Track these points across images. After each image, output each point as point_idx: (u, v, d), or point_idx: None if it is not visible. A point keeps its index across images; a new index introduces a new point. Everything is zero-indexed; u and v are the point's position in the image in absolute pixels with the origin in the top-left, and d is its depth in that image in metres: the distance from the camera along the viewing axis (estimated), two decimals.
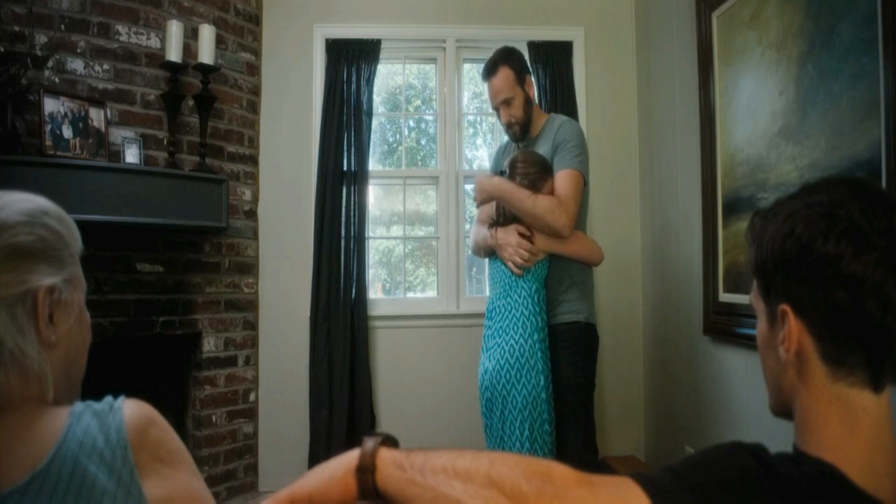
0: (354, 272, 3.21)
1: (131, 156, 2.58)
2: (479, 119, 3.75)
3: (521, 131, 2.30)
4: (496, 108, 2.32)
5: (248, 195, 3.18)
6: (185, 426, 2.96)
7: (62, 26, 2.48)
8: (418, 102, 3.75)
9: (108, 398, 0.77)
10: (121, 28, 2.63)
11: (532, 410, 1.97)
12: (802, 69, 1.93)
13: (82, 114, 2.45)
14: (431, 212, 3.57)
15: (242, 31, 3.15)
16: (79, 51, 2.52)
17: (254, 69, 3.23)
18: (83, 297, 0.84)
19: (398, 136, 3.71)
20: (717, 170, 2.47)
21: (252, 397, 3.16)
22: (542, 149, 2.22)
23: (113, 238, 2.57)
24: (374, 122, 3.33)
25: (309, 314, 3.18)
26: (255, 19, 3.26)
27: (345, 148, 3.25)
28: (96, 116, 2.50)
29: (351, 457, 0.66)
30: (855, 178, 0.76)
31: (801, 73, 1.94)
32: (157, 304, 2.74)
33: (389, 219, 3.62)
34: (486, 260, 2.39)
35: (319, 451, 3.05)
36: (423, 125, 3.73)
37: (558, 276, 2.15)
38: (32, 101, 2.34)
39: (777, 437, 0.77)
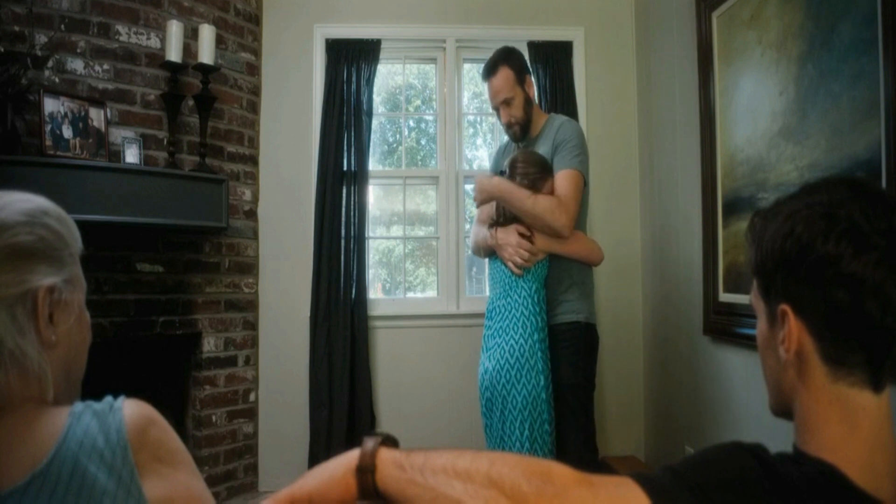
0: (354, 272, 3.21)
1: (131, 156, 2.58)
2: (479, 119, 3.75)
3: (521, 131, 2.30)
4: (496, 108, 2.32)
5: (248, 195, 3.18)
6: (185, 426, 2.96)
7: (62, 26, 2.48)
8: (418, 102, 3.75)
9: (108, 398, 0.77)
10: (121, 28, 2.63)
11: (532, 410, 1.97)
12: (802, 69, 1.93)
13: (82, 114, 2.45)
14: (431, 212, 3.57)
15: (242, 31, 3.15)
16: (79, 51, 2.52)
17: (254, 69, 3.23)
18: (83, 297, 0.84)
19: (398, 136, 3.71)
20: (717, 170, 2.47)
21: (252, 397, 3.16)
22: (542, 149, 2.22)
23: (113, 238, 2.57)
24: (374, 122, 3.33)
25: (309, 314, 3.18)
26: (255, 19, 3.26)
27: (345, 148, 3.25)
28: (96, 116, 2.50)
29: (351, 457, 0.66)
30: (855, 178, 0.77)
31: (801, 73, 1.94)
32: (157, 304, 2.74)
33: (389, 219, 3.62)
34: (486, 260, 2.39)
35: (319, 451, 3.05)
36: (423, 125, 3.74)
37: (558, 276, 2.15)
38: (32, 101, 2.34)
39: (777, 437, 0.77)
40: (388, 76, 3.67)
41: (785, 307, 0.67)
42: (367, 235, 3.27)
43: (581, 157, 2.17)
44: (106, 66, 2.59)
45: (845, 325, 0.64)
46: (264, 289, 3.25)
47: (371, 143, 3.31)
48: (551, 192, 2.11)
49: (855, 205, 0.64)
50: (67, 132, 2.40)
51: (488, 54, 2.37)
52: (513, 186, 2.09)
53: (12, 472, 0.69)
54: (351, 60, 3.27)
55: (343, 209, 3.23)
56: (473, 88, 3.64)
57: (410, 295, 3.54)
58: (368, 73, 3.28)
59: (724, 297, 2.42)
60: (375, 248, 3.61)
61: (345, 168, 3.24)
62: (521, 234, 2.08)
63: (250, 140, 3.20)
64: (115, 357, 2.63)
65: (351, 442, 2.10)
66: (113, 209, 2.39)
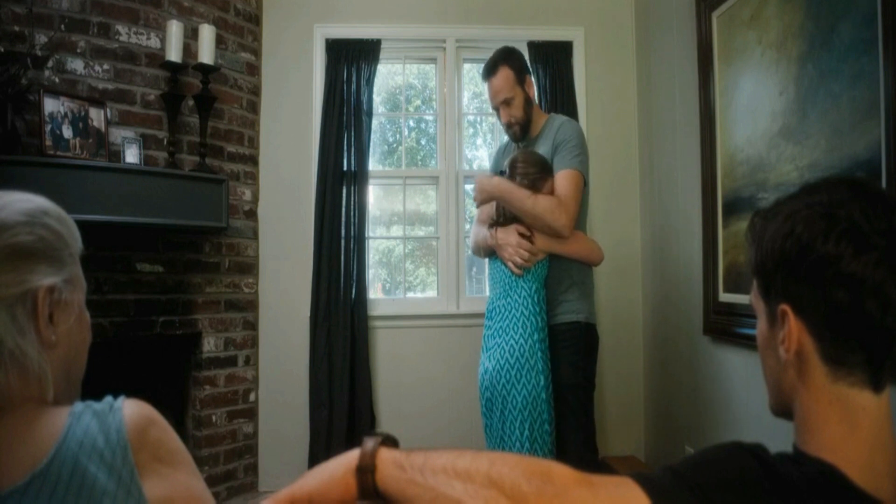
0: (354, 272, 3.21)
1: (131, 156, 2.58)
2: (479, 119, 3.75)
3: (521, 131, 2.30)
4: (496, 108, 2.32)
5: (248, 195, 3.18)
6: (185, 426, 2.96)
7: (62, 26, 2.48)
8: (418, 102, 3.75)
9: (108, 398, 0.77)
10: (121, 28, 2.63)
11: (532, 410, 1.97)
12: (802, 69, 1.93)
13: (82, 114, 2.45)
14: (431, 212, 3.57)
15: (242, 31, 3.15)
16: (79, 51, 2.52)
17: (254, 69, 3.23)
18: (83, 297, 0.84)
19: (398, 136, 3.71)
20: (717, 170, 2.47)
21: (252, 397, 3.16)
22: (542, 149, 2.22)
23: (113, 238, 2.57)
24: (374, 122, 3.33)
25: (309, 314, 3.18)
26: (255, 19, 3.26)
27: (345, 148, 3.25)
28: (96, 116, 2.50)
29: (351, 457, 0.66)
30: (855, 178, 0.77)
31: (801, 73, 1.94)
32: (157, 304, 2.74)
33: (389, 219, 3.62)
34: (486, 260, 2.39)
35: (319, 451, 3.05)
36: (423, 125, 3.73)
37: (558, 276, 2.15)
38: (32, 101, 2.34)
39: (777, 437, 0.77)
40: (388, 76, 3.67)
41: (785, 307, 0.67)
42: (367, 235, 3.27)
43: (581, 157, 2.17)
44: (106, 66, 2.59)
45: (845, 325, 0.64)
46: (264, 289, 3.25)
47: (371, 143, 3.31)
48: (551, 192, 2.11)
49: (855, 205, 0.64)
50: (67, 132, 2.40)
51: (488, 54, 2.37)
52: (513, 186, 2.09)
53: (12, 472, 0.69)
54: (351, 60, 3.27)
55: (343, 209, 3.23)
56: (473, 88, 3.63)
57: (410, 295, 3.54)
58: (368, 73, 3.28)
59: (724, 297, 2.42)
60: (375, 248, 3.61)
61: (345, 168, 3.24)
62: (521, 234, 2.08)
63: (250, 140, 3.20)
64: (115, 357, 2.63)
65: (351, 442, 2.10)
66: (113, 209, 2.39)
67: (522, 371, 1.99)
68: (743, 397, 2.32)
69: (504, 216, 2.15)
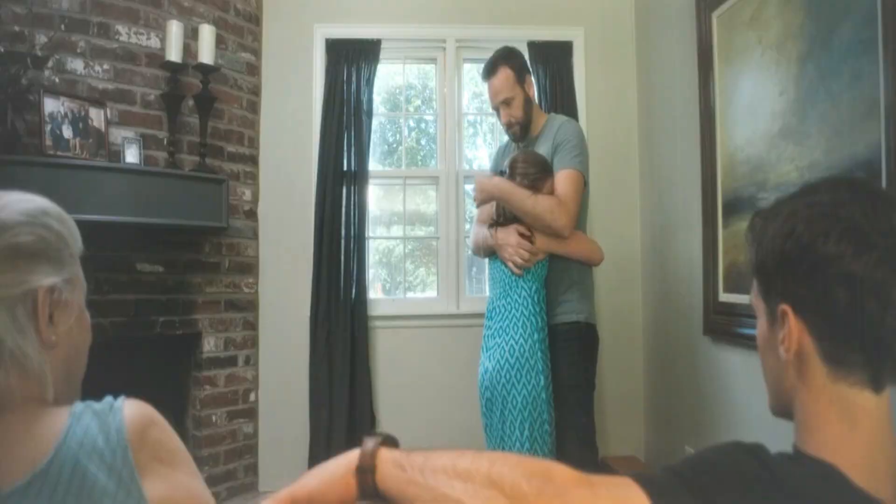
0: (354, 272, 3.21)
1: (131, 156, 2.58)
2: (479, 119, 3.75)
3: (521, 131, 2.30)
4: (496, 108, 2.32)
5: (248, 195, 3.18)
6: (185, 426, 2.96)
7: (62, 26, 2.48)
8: (418, 102, 3.75)
9: (108, 398, 0.77)
10: (121, 28, 2.63)
11: (532, 410, 1.97)
12: (802, 69, 1.93)
13: (82, 114, 2.45)
14: (431, 212, 3.57)
15: (242, 31, 3.15)
16: (79, 51, 2.52)
17: (254, 69, 3.23)
18: (83, 297, 0.84)
19: (398, 136, 3.71)
20: (717, 170, 2.47)
21: (252, 397, 3.16)
22: (542, 149, 2.22)
23: (113, 238, 2.57)
24: (374, 122, 3.33)
25: (309, 314, 3.18)
26: (255, 19, 3.26)
27: (345, 148, 3.25)
28: (96, 116, 2.50)
29: (351, 457, 0.66)
30: (855, 178, 0.77)
31: (801, 74, 1.94)
32: (157, 304, 2.74)
33: (389, 219, 3.62)
34: (486, 260, 2.39)
35: (319, 451, 3.05)
36: (423, 125, 3.73)
37: (558, 276, 2.15)
38: (32, 101, 2.34)
39: (777, 437, 0.76)
40: (388, 76, 3.67)
41: (785, 307, 0.67)
42: (367, 235, 3.27)
43: (581, 158, 2.17)
44: (106, 66, 2.59)
45: (845, 325, 0.64)
46: (264, 289, 3.24)
47: (371, 143, 3.31)
48: (551, 192, 2.11)
49: (855, 204, 0.64)
50: (67, 132, 2.40)
51: (488, 54, 2.37)
52: (513, 186, 2.09)
53: (12, 472, 0.69)
54: (351, 60, 3.27)
55: (343, 209, 3.23)
56: (473, 88, 3.63)
57: (410, 295, 3.54)
58: (368, 73, 3.28)
59: (724, 297, 2.42)
60: (375, 248, 3.61)
61: (345, 168, 3.24)
62: (521, 234, 2.08)
63: (250, 140, 3.20)
64: (115, 357, 2.62)
65: (351, 442, 2.10)
66: (113, 209, 2.39)
67: (522, 371, 1.99)
68: (743, 397, 2.32)
69: (504, 216, 2.15)
